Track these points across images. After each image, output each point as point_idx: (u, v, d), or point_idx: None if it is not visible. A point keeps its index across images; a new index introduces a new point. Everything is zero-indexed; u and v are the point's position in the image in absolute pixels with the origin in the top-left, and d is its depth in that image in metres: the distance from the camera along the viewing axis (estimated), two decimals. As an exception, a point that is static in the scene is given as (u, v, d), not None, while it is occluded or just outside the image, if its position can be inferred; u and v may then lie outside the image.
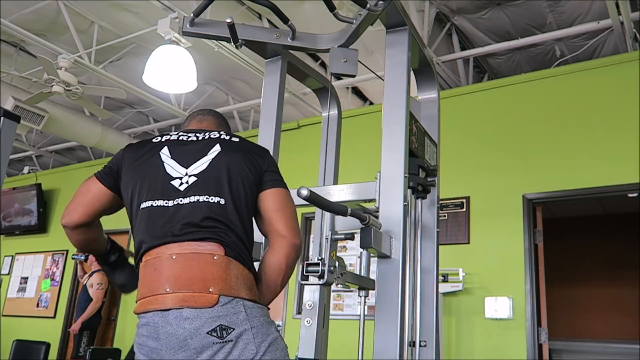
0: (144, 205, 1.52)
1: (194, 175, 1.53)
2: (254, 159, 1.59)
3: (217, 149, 1.58)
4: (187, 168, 1.54)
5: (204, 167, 1.54)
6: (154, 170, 1.55)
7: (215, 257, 1.41)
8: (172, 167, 1.55)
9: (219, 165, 1.54)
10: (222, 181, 1.51)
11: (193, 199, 1.48)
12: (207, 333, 1.35)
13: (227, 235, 1.46)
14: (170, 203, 1.49)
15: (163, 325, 1.37)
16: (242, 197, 1.52)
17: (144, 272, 1.46)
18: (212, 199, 1.48)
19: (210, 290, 1.37)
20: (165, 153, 1.58)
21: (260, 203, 1.57)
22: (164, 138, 1.65)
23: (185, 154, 1.58)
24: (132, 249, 1.63)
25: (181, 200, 1.49)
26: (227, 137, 1.64)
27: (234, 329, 1.36)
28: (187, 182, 1.52)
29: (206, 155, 1.56)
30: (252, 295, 1.45)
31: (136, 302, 1.47)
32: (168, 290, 1.38)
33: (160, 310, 1.38)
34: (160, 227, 1.47)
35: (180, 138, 1.63)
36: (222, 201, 1.49)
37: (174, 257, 1.42)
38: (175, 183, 1.52)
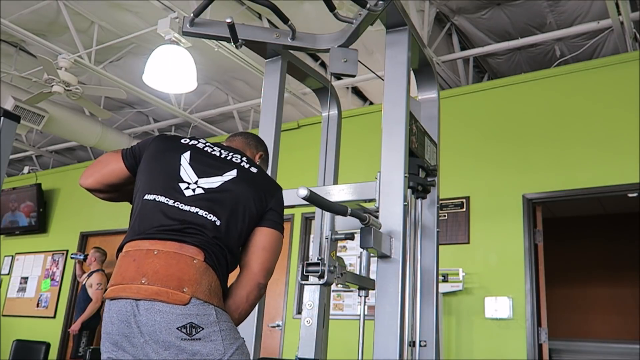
0: (147, 197, 1.56)
1: (203, 188, 1.58)
2: (263, 195, 1.64)
3: (233, 173, 1.63)
4: (199, 178, 1.59)
5: (214, 185, 1.59)
6: (170, 168, 1.61)
7: (194, 261, 1.45)
8: (187, 171, 1.61)
9: (229, 189, 1.59)
10: (226, 206, 1.56)
11: (193, 209, 1.53)
12: (177, 329, 1.38)
13: (211, 246, 1.50)
14: (171, 202, 1.54)
15: (134, 314, 1.41)
16: (239, 226, 1.57)
17: (122, 261, 1.50)
18: (209, 217, 1.53)
19: (184, 290, 1.41)
20: (186, 157, 1.64)
21: (252, 236, 1.62)
22: (192, 142, 1.70)
23: (203, 165, 1.63)
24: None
25: (182, 205, 1.53)
26: (247, 166, 1.68)
27: (203, 329, 1.40)
28: (193, 191, 1.57)
29: (221, 175, 1.62)
30: (221, 305, 1.50)
31: (106, 289, 1.51)
32: (144, 282, 1.42)
33: (133, 299, 1.41)
34: (153, 222, 1.51)
35: (206, 149, 1.69)
36: (218, 222, 1.53)
37: (155, 252, 1.46)
38: (182, 186, 1.57)
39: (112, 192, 1.75)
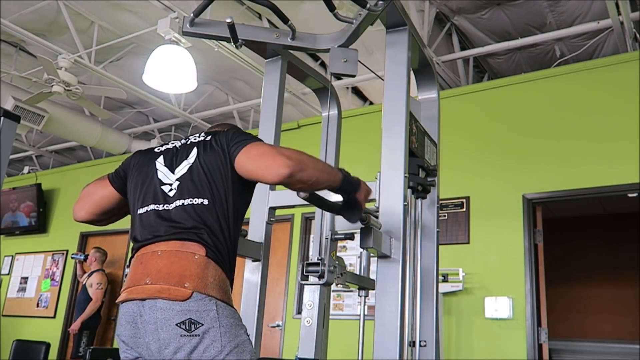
0: (140, 211, 1.63)
1: (178, 180, 1.62)
2: (221, 147, 1.62)
3: (194, 152, 1.65)
4: (173, 172, 1.64)
5: (184, 170, 1.62)
6: (150, 177, 1.66)
7: (196, 256, 1.48)
8: (164, 173, 1.65)
9: (197, 167, 1.61)
10: (203, 183, 1.58)
11: (179, 202, 1.57)
12: (176, 325, 1.41)
13: (210, 238, 1.52)
14: (161, 207, 1.59)
15: (140, 314, 1.46)
16: (223, 195, 1.58)
17: (133, 266, 1.56)
18: (196, 201, 1.56)
19: (186, 285, 1.44)
20: (160, 161, 1.69)
21: (240, 172, 1.58)
22: (163, 147, 1.75)
23: (173, 159, 1.67)
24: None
25: (169, 206, 1.58)
26: (202, 138, 1.69)
27: (202, 324, 1.42)
28: (175, 188, 1.61)
29: (186, 159, 1.65)
30: (226, 298, 1.50)
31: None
32: (148, 282, 1.46)
33: (139, 299, 1.46)
34: (152, 228, 1.57)
35: (173, 146, 1.73)
36: (206, 201, 1.56)
37: (159, 252, 1.51)
38: (165, 188, 1.62)
39: (109, 217, 1.83)
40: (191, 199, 1.56)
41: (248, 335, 1.54)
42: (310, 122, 5.74)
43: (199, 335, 1.41)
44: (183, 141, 1.73)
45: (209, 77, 5.70)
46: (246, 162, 1.56)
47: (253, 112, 6.38)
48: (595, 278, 6.87)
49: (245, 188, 1.65)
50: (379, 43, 4.23)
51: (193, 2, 4.25)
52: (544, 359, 4.07)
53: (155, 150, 1.75)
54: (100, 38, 5.01)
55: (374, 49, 4.84)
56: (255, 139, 1.64)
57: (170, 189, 1.61)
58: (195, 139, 1.70)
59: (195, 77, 4.48)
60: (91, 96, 5.79)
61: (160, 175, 1.65)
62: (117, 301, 1.54)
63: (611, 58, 4.44)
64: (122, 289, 1.54)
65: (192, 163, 1.62)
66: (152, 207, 1.60)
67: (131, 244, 1.63)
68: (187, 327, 1.40)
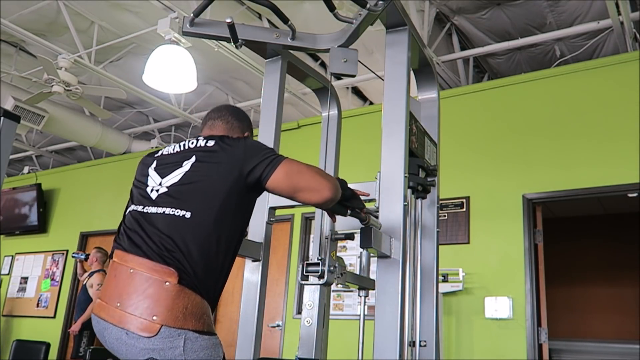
0: (127, 211, 1.63)
1: (166, 186, 1.56)
2: (232, 157, 1.54)
3: (192, 160, 1.58)
4: (162, 179, 1.59)
5: (176, 179, 1.56)
6: (142, 181, 1.65)
7: (166, 284, 1.42)
8: (152, 177, 1.62)
9: (191, 177, 1.54)
10: (191, 194, 1.51)
11: (160, 210, 1.52)
12: None
13: (185, 260, 1.45)
14: (140, 208, 1.57)
15: (107, 339, 1.46)
16: (212, 210, 1.49)
17: (109, 273, 1.53)
18: (177, 213, 1.49)
19: (154, 318, 1.39)
20: (152, 166, 1.66)
21: (274, 191, 1.55)
22: (160, 152, 1.72)
23: (165, 166, 1.62)
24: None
25: (150, 209, 1.54)
26: (204, 144, 1.61)
27: None
28: (157, 191, 1.57)
29: (180, 167, 1.58)
30: (200, 326, 1.44)
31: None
32: (118, 305, 1.44)
33: (106, 322, 1.45)
34: (130, 233, 1.53)
35: (173, 149, 1.68)
36: (188, 214, 1.49)
37: (131, 271, 1.46)
38: (148, 190, 1.59)
39: None
40: (173, 209, 1.50)
41: (223, 357, 1.49)
42: (310, 122, 5.73)
43: None
44: (181, 146, 1.66)
45: (209, 77, 5.70)
46: (283, 182, 1.51)
47: (253, 112, 6.38)
48: (595, 278, 6.87)
49: (247, 202, 1.60)
50: (379, 43, 4.23)
51: (193, 2, 4.25)
52: (544, 359, 4.07)
53: (156, 154, 1.72)
54: (100, 38, 5.01)
55: (374, 49, 4.84)
56: (279, 155, 1.57)
57: (152, 191, 1.57)
58: (194, 144, 1.63)
59: (195, 77, 4.48)
60: (91, 96, 5.79)
61: (148, 180, 1.62)
62: (92, 310, 1.52)
63: (611, 58, 4.44)
64: (99, 297, 1.52)
65: (186, 172, 1.55)
66: (133, 207, 1.59)
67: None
68: None
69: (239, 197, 1.54)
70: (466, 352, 4.18)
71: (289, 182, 1.51)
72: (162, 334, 1.38)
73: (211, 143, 1.61)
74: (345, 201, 1.68)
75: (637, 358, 5.46)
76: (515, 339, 4.03)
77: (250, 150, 1.56)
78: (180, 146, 1.67)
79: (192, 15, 2.07)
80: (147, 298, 1.41)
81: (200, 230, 1.48)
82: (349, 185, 1.74)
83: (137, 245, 1.49)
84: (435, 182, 2.36)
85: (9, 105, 5.27)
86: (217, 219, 1.50)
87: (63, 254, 7.27)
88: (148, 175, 1.63)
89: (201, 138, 1.65)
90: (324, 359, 2.20)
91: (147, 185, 1.60)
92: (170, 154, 1.66)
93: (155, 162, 1.66)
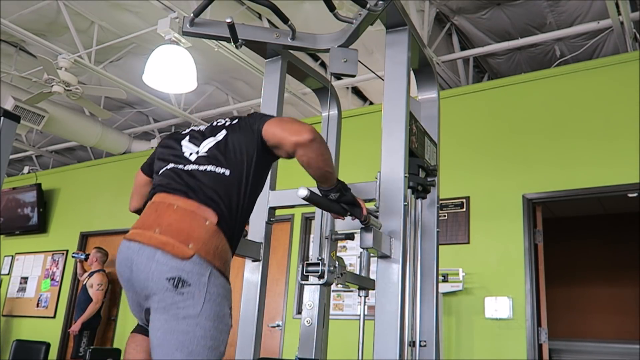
0: (161, 170, 1.76)
1: (204, 151, 1.74)
2: (249, 125, 1.76)
3: (223, 132, 1.78)
4: (198, 147, 1.76)
5: (211, 145, 1.75)
6: (174, 152, 1.79)
7: (207, 222, 1.57)
8: (187, 146, 1.78)
9: (224, 144, 1.74)
10: (227, 156, 1.70)
11: (201, 167, 1.68)
12: (166, 279, 1.49)
13: (224, 208, 1.61)
14: (180, 167, 1.71)
15: (136, 260, 1.54)
16: (244, 171, 1.68)
17: (147, 210, 1.67)
18: (218, 170, 1.67)
19: (190, 246, 1.52)
20: (185, 140, 1.82)
21: (267, 140, 1.71)
22: (189, 130, 1.88)
23: (198, 138, 1.80)
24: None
25: (190, 167, 1.70)
26: (232, 122, 1.83)
27: (190, 285, 1.49)
28: (197, 154, 1.74)
29: (214, 137, 1.78)
30: (223, 268, 1.58)
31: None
32: (157, 231, 1.56)
33: (140, 244, 1.55)
34: (172, 180, 1.68)
35: (199, 129, 1.87)
36: (227, 172, 1.67)
37: (175, 207, 1.60)
38: (187, 154, 1.75)
39: None
40: (214, 167, 1.67)
41: (230, 310, 1.60)
42: (310, 122, 5.69)
43: (182, 294, 1.48)
44: (209, 125, 1.86)
45: (209, 77, 5.70)
46: (274, 126, 1.69)
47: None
48: (595, 278, 6.87)
49: (265, 167, 1.77)
50: (379, 43, 4.23)
51: (193, 2, 4.26)
52: (544, 359, 4.07)
53: (182, 132, 1.87)
54: (100, 38, 5.01)
55: (374, 49, 4.84)
56: (272, 115, 1.79)
57: (191, 154, 1.74)
58: (223, 122, 1.84)
59: (195, 77, 4.48)
60: (91, 96, 5.79)
61: (184, 149, 1.77)
62: (124, 237, 1.63)
63: (611, 58, 4.44)
64: (132, 227, 1.63)
65: (220, 140, 1.74)
66: (171, 165, 1.73)
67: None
68: (175, 284, 1.48)
69: (259, 158, 1.73)
70: (466, 352, 4.18)
71: (276, 126, 1.69)
72: (193, 261, 1.51)
73: (235, 121, 1.83)
74: (345, 204, 1.74)
75: (637, 358, 5.46)
76: (515, 339, 4.03)
77: (260, 114, 1.83)
78: (208, 125, 1.86)
79: (192, 15, 2.08)
80: (187, 229, 1.55)
81: (236, 186, 1.66)
82: (348, 185, 1.76)
83: (182, 191, 1.63)
84: (435, 182, 2.36)
85: (9, 105, 5.27)
86: (248, 178, 1.69)
87: (63, 254, 7.27)
88: (182, 145, 1.79)
89: (227, 118, 1.86)
90: (324, 359, 2.20)
91: (184, 152, 1.76)
92: (201, 131, 1.84)
93: (187, 137, 1.82)
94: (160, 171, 1.76)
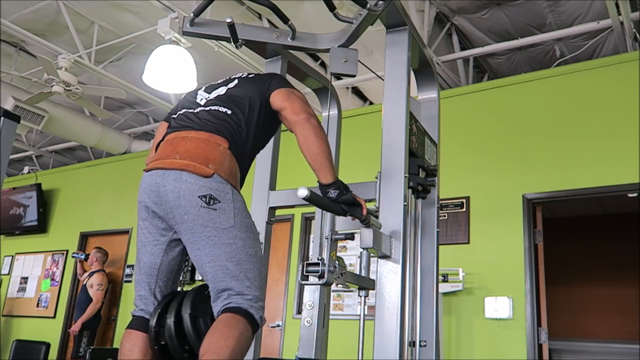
0: (174, 116, 1.92)
1: (214, 96, 1.91)
2: (262, 80, 1.93)
3: (235, 82, 1.97)
4: (210, 94, 1.93)
5: (221, 92, 1.92)
6: (190, 99, 1.96)
7: (220, 147, 1.73)
8: (201, 94, 1.96)
9: (233, 91, 1.91)
10: (232, 99, 1.87)
11: (208, 107, 1.86)
12: (199, 197, 1.63)
13: (233, 136, 1.77)
14: (192, 110, 1.87)
15: (163, 183, 1.66)
16: (246, 113, 1.84)
17: (162, 146, 1.80)
18: (221, 109, 1.84)
19: (209, 166, 1.67)
20: (202, 89, 1.99)
21: (272, 104, 1.86)
22: (205, 85, 2.05)
23: (212, 87, 1.98)
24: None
25: (199, 109, 1.86)
26: (245, 75, 2.02)
27: (220, 202, 1.65)
28: (206, 99, 1.91)
29: (226, 86, 1.95)
30: (238, 187, 1.75)
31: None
32: (177, 157, 1.69)
33: (163, 169, 1.68)
34: (183, 121, 1.83)
35: (215, 81, 2.04)
36: (229, 111, 1.83)
37: (189, 138, 1.75)
38: (199, 100, 1.92)
39: None
40: (219, 107, 1.83)
41: (254, 224, 1.75)
42: (310, 122, 5.72)
43: (216, 210, 1.63)
44: (226, 78, 2.03)
45: (209, 77, 5.68)
46: (281, 97, 1.84)
47: (253, 112, 6.38)
48: (596, 278, 6.87)
49: (269, 120, 1.89)
50: (379, 43, 4.23)
51: (193, 2, 4.26)
52: (544, 359, 4.07)
53: (202, 86, 2.05)
54: (100, 38, 5.01)
55: (374, 49, 4.84)
56: (286, 86, 1.92)
57: (202, 100, 1.90)
58: (240, 75, 2.02)
59: (195, 77, 4.48)
60: (91, 96, 5.79)
61: (198, 97, 1.94)
62: (143, 169, 1.76)
63: (611, 58, 4.44)
64: (149, 161, 1.79)
65: (231, 87, 1.93)
66: (184, 110, 1.89)
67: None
68: (207, 201, 1.62)
69: (263, 109, 1.86)
70: (466, 352, 4.18)
71: (283, 98, 1.84)
72: (215, 179, 1.66)
73: (251, 75, 2.01)
74: (345, 204, 1.76)
75: (637, 358, 5.46)
76: (515, 339, 4.03)
77: (279, 77, 1.99)
78: (224, 78, 2.03)
79: (192, 15, 2.08)
80: (204, 152, 1.69)
81: (236, 123, 1.80)
82: (348, 185, 1.77)
83: (191, 127, 1.78)
84: (435, 182, 2.36)
85: (9, 105, 5.27)
86: (249, 119, 1.83)
87: (63, 254, 7.27)
88: (197, 93, 1.96)
89: (245, 72, 2.04)
90: (324, 359, 2.20)
91: (197, 99, 1.92)
92: (217, 82, 2.01)
93: (204, 87, 2.01)
94: (175, 115, 1.92)
